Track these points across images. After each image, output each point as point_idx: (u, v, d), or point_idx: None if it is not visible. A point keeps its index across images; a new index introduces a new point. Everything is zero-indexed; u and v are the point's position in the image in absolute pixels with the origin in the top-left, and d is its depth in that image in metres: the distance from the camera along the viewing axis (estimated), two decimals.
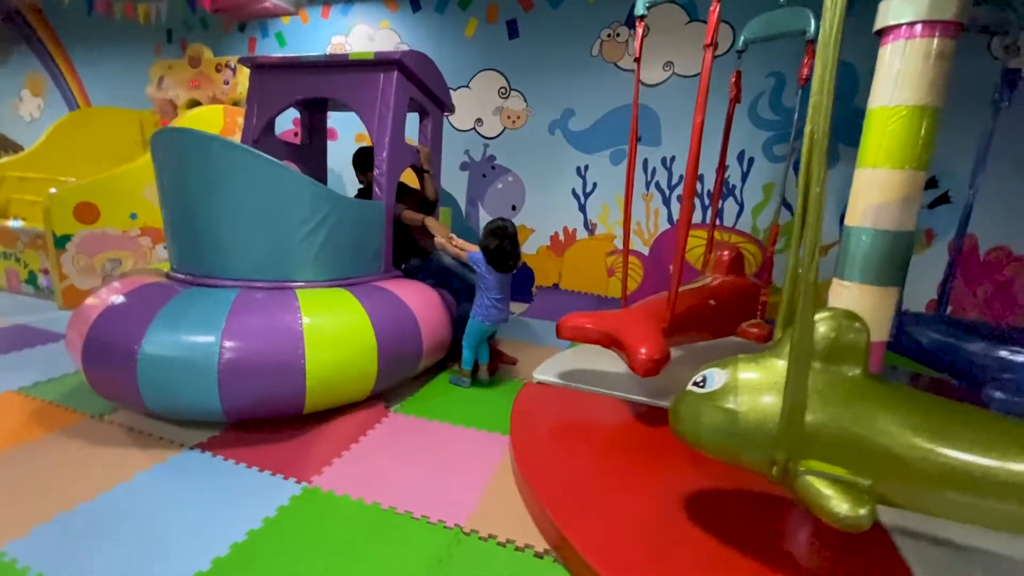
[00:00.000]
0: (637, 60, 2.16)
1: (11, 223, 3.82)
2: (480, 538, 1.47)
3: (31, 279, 3.79)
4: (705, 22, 3.54)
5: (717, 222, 3.74)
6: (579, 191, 4.09)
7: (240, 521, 1.48)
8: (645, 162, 3.86)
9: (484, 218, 4.40)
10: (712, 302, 2.40)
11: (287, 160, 3.10)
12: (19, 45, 6.19)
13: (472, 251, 2.36)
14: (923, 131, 1.63)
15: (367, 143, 2.94)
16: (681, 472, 1.69)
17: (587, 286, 4.20)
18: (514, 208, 4.30)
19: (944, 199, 3.26)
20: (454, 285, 2.74)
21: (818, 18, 2.52)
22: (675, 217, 3.90)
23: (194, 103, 4.94)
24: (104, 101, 5.81)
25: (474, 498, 1.65)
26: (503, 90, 4.14)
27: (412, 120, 3.07)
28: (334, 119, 4.51)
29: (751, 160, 3.61)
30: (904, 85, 1.63)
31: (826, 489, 1.14)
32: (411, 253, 2.81)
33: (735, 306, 2.50)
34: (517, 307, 4.15)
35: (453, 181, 4.41)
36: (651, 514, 1.48)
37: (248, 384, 1.79)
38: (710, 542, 1.37)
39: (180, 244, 2.10)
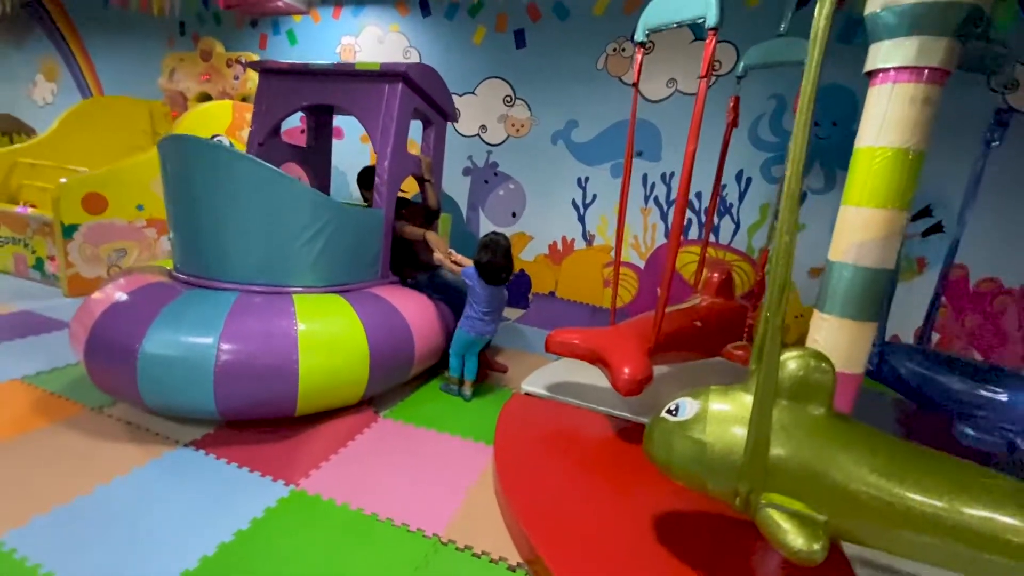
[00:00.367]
0: (635, 85, 2.20)
1: (19, 209, 3.89)
2: (457, 548, 1.53)
3: (38, 265, 3.86)
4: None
5: (713, 239, 3.80)
6: (579, 202, 4.13)
7: (228, 521, 1.54)
8: (644, 177, 3.90)
9: (485, 223, 4.45)
10: (699, 323, 2.45)
11: (292, 162, 3.16)
12: (35, 30, 6.26)
13: (467, 266, 2.41)
14: (906, 173, 1.68)
15: (373, 149, 2.97)
16: (658, 492, 1.74)
17: (583, 295, 4.25)
18: (514, 215, 4.35)
19: (937, 228, 3.29)
20: (458, 301, 2.77)
21: None
22: (683, 224, 3.93)
23: (204, 96, 5.00)
24: (116, 89, 5.88)
25: (454, 507, 1.71)
26: (508, 98, 4.18)
27: (416, 125, 3.12)
28: (341, 118, 4.56)
29: (749, 180, 3.65)
30: (889, 127, 1.67)
31: (784, 523, 1.20)
32: (414, 267, 2.85)
33: (722, 328, 2.55)
34: (513, 313, 4.20)
35: (455, 186, 4.46)
36: (625, 533, 1.54)
37: (243, 386, 1.85)
38: (680, 565, 1.42)
39: (183, 246, 2.16)
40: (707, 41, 1.88)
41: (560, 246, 4.26)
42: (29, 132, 6.57)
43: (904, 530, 1.16)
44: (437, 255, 2.48)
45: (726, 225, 3.78)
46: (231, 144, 4.45)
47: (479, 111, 4.29)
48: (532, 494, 1.68)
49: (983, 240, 3.15)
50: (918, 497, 1.15)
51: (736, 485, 1.28)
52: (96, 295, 2.09)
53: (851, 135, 1.76)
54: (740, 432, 1.29)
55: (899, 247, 1.78)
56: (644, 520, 1.60)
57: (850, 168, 1.82)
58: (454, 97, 4.31)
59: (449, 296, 2.77)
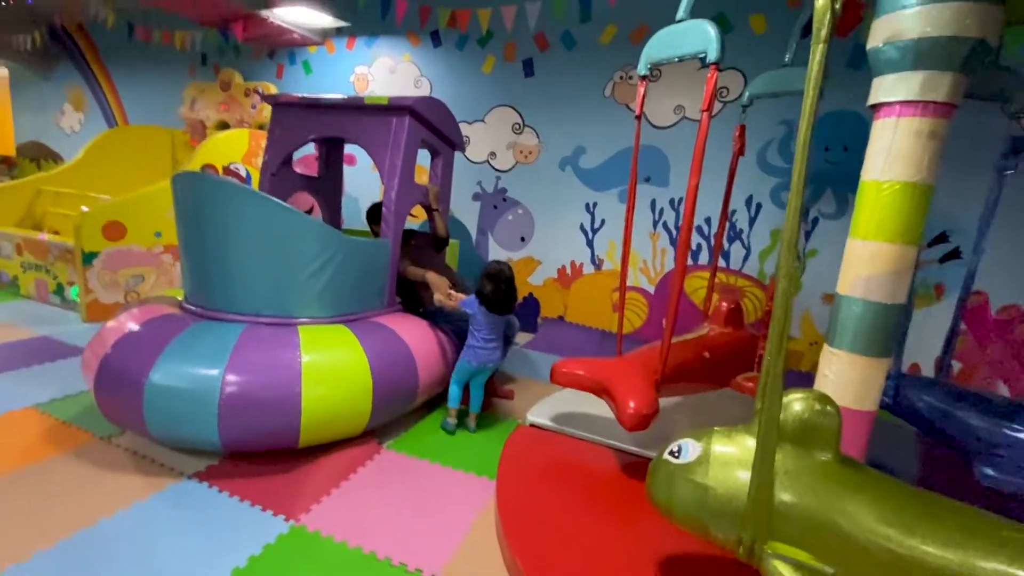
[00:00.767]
0: (638, 118, 2.22)
1: (41, 236, 4.02)
2: None
3: (58, 290, 3.97)
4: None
5: (724, 264, 3.77)
6: (587, 227, 4.14)
7: (227, 558, 1.54)
8: (653, 202, 3.90)
9: (494, 247, 4.48)
10: (707, 355, 2.41)
11: (303, 191, 3.23)
12: (63, 60, 6.56)
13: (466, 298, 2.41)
14: (915, 207, 1.65)
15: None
16: (665, 532, 1.69)
17: (592, 320, 4.23)
18: (523, 240, 4.38)
19: (955, 254, 3.23)
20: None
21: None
22: (688, 255, 3.91)
23: (223, 125, 5.16)
24: (141, 118, 6.10)
25: (454, 545, 1.68)
26: (517, 126, 4.24)
27: (425, 153, 3.17)
28: (353, 146, 4.67)
29: (759, 206, 3.63)
30: (895, 161, 1.65)
31: (789, 574, 1.16)
32: (418, 306, 2.85)
33: (731, 359, 2.51)
34: (522, 337, 4.19)
35: (465, 211, 4.51)
36: None
37: (246, 418, 1.86)
38: None
39: (193, 278, 2.21)
40: (708, 76, 1.89)
41: (569, 270, 4.26)
42: (56, 159, 6.83)
43: None
44: (437, 296, 2.49)
45: (736, 250, 3.75)
46: (247, 171, 4.58)
47: (489, 138, 4.36)
48: (533, 533, 1.65)
49: (1003, 266, 3.08)
50: (930, 549, 1.11)
51: (739, 532, 1.24)
52: (109, 324, 2.14)
53: (862, 160, 1.75)
54: (744, 476, 1.26)
55: (911, 281, 1.74)
56: (650, 562, 1.56)
57: (857, 200, 1.80)
58: (464, 125, 4.41)
59: (461, 324, 2.77)
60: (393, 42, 4.62)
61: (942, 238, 3.23)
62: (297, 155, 3.17)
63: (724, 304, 2.66)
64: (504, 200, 4.39)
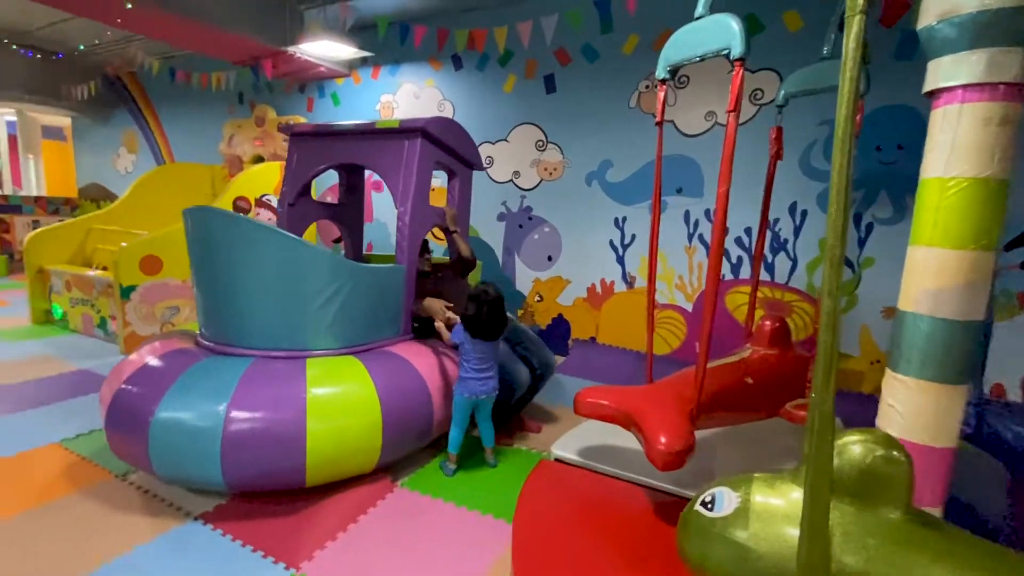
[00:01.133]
0: (659, 124, 2.06)
1: (90, 272, 4.21)
2: None
3: (102, 324, 4.13)
4: (751, 70, 3.40)
5: (768, 278, 3.49)
6: (617, 243, 3.96)
7: None
8: (687, 214, 3.69)
9: (520, 268, 4.36)
10: (749, 380, 2.17)
11: (324, 219, 3.22)
12: (119, 106, 7.03)
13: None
14: (988, 207, 1.41)
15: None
16: None
17: (626, 341, 4.01)
18: (550, 259, 4.23)
19: None
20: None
21: (867, 73, 2.33)
22: (721, 271, 3.66)
23: (258, 159, 5.33)
24: (186, 156, 6.43)
25: None
26: (540, 143, 4.15)
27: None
28: None
29: (804, 212, 3.35)
30: (961, 154, 1.42)
31: None
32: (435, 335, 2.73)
33: (778, 383, 2.25)
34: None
35: (490, 232, 4.42)
36: None
37: (250, 456, 1.79)
38: None
39: (205, 312, 2.19)
40: (734, 74, 1.72)
41: (599, 289, 4.07)
42: (113, 199, 7.28)
43: None
44: (437, 323, 2.37)
45: (782, 262, 3.46)
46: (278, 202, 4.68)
47: (512, 157, 4.28)
48: None
49: None
50: None
51: None
52: (128, 358, 2.14)
53: (919, 158, 1.53)
54: (791, 535, 1.06)
55: (988, 293, 1.49)
56: None
57: (917, 202, 1.57)
58: (487, 146, 4.36)
59: (522, 345, 2.65)
60: (415, 68, 4.65)
61: (1022, 240, 2.86)
62: (320, 184, 3.18)
63: (767, 322, 2.41)
64: (530, 219, 4.28)
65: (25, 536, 1.74)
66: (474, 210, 4.49)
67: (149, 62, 5.39)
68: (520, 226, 4.33)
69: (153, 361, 2.04)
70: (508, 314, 2.72)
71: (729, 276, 3.67)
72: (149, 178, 5.50)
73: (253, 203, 4.72)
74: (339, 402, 1.93)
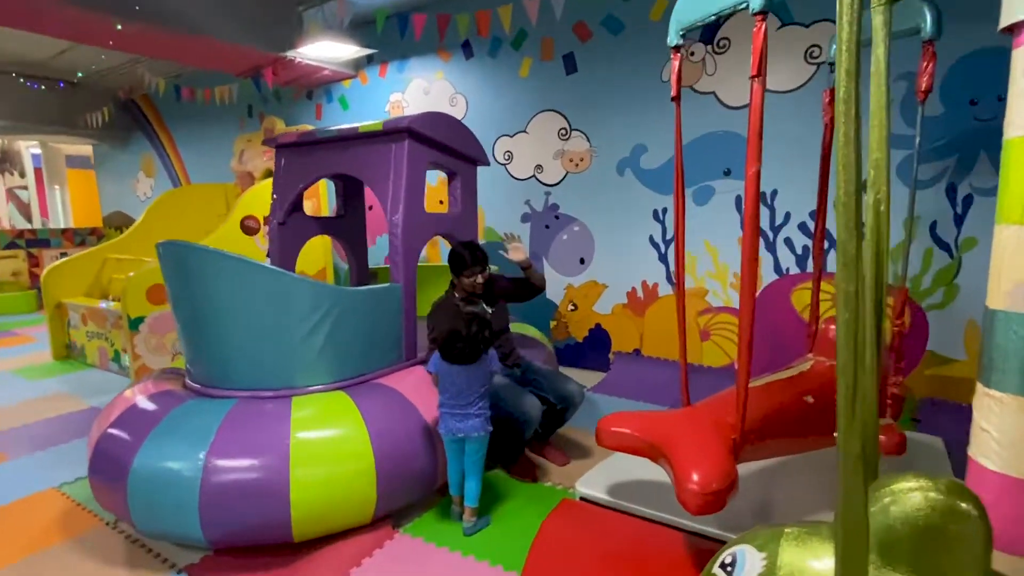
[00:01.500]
0: (675, 99, 1.92)
1: (101, 304, 4.48)
2: None
3: (116, 357, 4.37)
4: (802, 24, 3.16)
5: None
6: (658, 238, 3.78)
7: None
8: (737, 199, 3.47)
9: (549, 272, 4.25)
10: (809, 399, 1.97)
11: (322, 234, 3.25)
12: (135, 131, 7.53)
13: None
14: None
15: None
16: None
17: (675, 352, 3.79)
18: (583, 261, 4.10)
19: None
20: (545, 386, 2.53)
21: (936, 11, 2.08)
22: (781, 265, 3.41)
23: (270, 174, 5.53)
24: (201, 176, 6.78)
25: None
26: (563, 131, 4.03)
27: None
28: None
29: None
30: None
31: None
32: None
33: None
34: (591, 378, 3.87)
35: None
36: None
37: (230, 510, 1.78)
38: None
39: (187, 351, 2.23)
40: (755, 30, 1.57)
41: (641, 293, 3.89)
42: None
43: None
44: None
45: None
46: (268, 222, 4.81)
47: (533, 150, 4.19)
48: None
49: None
50: None
51: None
52: (122, 395, 2.21)
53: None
54: None
55: None
56: None
57: (1002, 169, 1.36)
58: (505, 139, 4.29)
59: (535, 381, 2.53)
60: (424, 61, 4.67)
61: None
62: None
63: (832, 327, 2.19)
64: (557, 218, 4.17)
65: None
66: (493, 211, 4.46)
67: (155, 82, 5.72)
68: (547, 227, 4.22)
69: (141, 403, 2.09)
70: (518, 350, 2.61)
71: (795, 269, 3.41)
72: (162, 202, 5.80)
73: (262, 221, 4.88)
74: (326, 447, 1.90)
